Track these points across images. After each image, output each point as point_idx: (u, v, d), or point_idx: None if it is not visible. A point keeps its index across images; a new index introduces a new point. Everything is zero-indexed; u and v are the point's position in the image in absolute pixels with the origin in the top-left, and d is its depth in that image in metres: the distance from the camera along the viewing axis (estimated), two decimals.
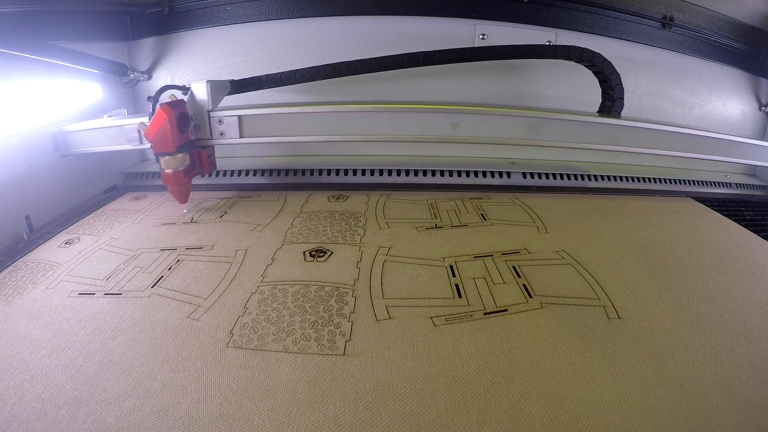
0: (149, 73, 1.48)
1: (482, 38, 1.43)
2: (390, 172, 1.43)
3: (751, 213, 1.33)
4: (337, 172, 1.43)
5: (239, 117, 1.13)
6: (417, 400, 0.56)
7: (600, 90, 1.32)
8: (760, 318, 0.75)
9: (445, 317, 0.73)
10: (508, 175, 1.44)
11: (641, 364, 0.63)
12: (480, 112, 1.15)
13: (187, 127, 1.09)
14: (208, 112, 1.13)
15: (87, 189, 1.28)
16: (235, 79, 1.24)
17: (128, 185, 1.42)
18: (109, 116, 1.24)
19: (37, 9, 1.10)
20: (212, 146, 1.19)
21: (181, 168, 1.09)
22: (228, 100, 1.21)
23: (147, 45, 1.47)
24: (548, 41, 1.44)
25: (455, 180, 1.43)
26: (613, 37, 1.47)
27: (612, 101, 1.28)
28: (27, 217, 1.05)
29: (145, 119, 1.07)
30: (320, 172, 1.43)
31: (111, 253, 0.95)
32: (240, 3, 1.40)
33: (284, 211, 1.16)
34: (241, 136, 1.14)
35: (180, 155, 1.08)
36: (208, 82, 1.12)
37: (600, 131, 1.18)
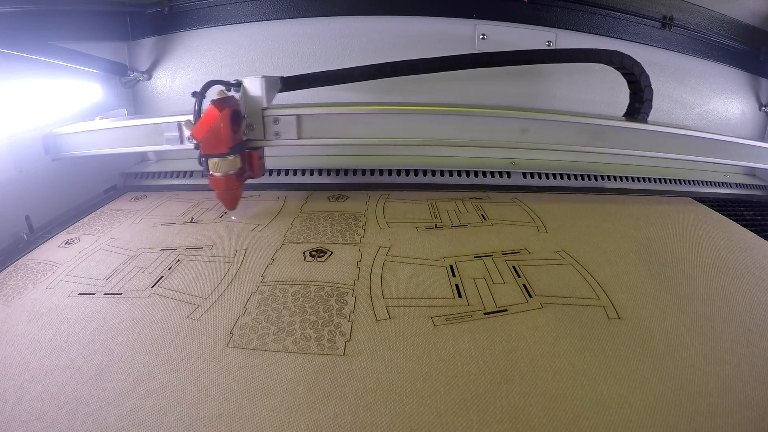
0: (149, 73, 1.48)
1: (482, 38, 1.43)
2: (390, 172, 1.43)
3: (751, 213, 1.33)
4: (337, 172, 1.43)
5: (298, 116, 1.02)
6: (417, 400, 0.56)
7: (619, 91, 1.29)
8: (760, 318, 0.75)
9: (445, 317, 0.73)
10: (508, 175, 1.44)
11: (641, 364, 0.63)
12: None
13: (239, 127, 1.00)
14: (263, 110, 1.03)
15: (87, 189, 1.28)
16: (285, 75, 1.14)
17: (128, 185, 1.42)
18: (102, 118, 1.19)
19: (37, 9, 1.09)
20: (263, 147, 1.08)
21: (231, 171, 1.00)
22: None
23: (147, 45, 1.46)
24: (548, 41, 1.44)
25: (455, 180, 1.42)
26: (613, 37, 1.47)
27: (641, 103, 1.24)
28: (27, 217, 1.05)
29: (189, 117, 0.98)
30: (320, 172, 1.43)
31: (111, 253, 0.95)
32: (240, 3, 1.39)
33: (284, 211, 1.16)
34: (299, 137, 1.04)
35: (231, 157, 0.98)
36: (263, 77, 1.01)
37: (602, 134, 1.16)
